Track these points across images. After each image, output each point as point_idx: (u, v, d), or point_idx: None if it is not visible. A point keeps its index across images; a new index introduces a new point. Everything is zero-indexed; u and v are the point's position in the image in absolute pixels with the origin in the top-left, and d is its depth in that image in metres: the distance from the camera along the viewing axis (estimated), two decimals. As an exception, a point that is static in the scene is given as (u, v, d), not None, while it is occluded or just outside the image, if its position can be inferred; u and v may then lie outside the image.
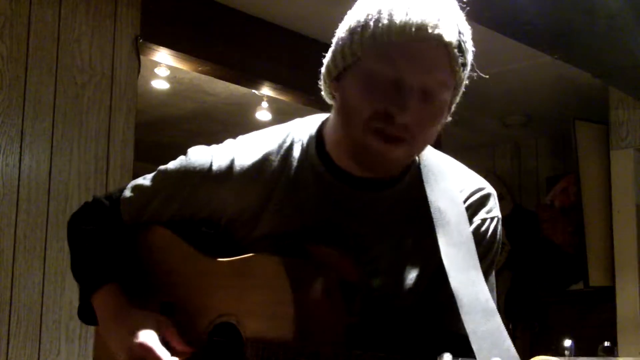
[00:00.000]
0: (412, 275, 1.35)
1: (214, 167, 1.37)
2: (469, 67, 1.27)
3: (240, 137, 1.43)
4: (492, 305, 1.21)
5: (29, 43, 3.05)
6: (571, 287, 5.11)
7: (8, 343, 2.86)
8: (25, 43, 3.04)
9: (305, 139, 1.38)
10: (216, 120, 5.33)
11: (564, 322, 5.16)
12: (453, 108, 1.32)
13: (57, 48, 3.13)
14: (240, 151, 1.38)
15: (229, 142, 1.42)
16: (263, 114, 4.90)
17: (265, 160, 1.37)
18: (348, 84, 1.26)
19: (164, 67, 4.25)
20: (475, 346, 1.13)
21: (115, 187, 3.20)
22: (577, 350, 4.72)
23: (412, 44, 1.20)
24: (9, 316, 2.87)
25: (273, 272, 1.25)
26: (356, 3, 1.30)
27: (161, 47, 3.54)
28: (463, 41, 1.24)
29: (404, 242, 1.35)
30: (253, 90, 4.39)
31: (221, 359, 1.36)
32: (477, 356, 1.10)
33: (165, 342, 1.37)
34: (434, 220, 1.30)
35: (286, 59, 3.92)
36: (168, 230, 1.48)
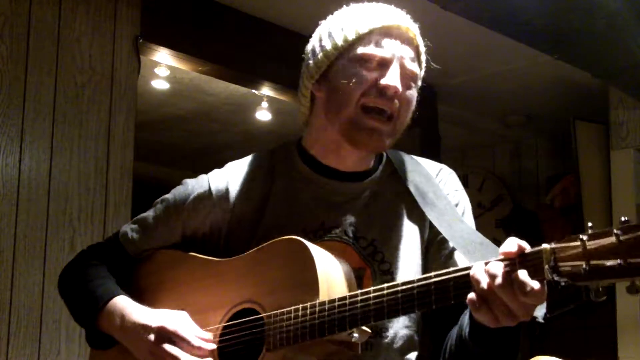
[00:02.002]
0: (409, 246, 1.48)
1: (212, 186, 1.52)
2: (424, 62, 1.52)
3: (227, 164, 1.59)
4: (485, 238, 1.41)
5: (29, 43, 3.05)
6: (571, 287, 5.10)
7: (8, 343, 2.86)
8: (25, 43, 3.04)
9: (287, 152, 1.55)
10: (216, 120, 5.32)
11: (563, 323, 5.15)
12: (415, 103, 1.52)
13: (57, 48, 3.13)
14: (232, 171, 1.55)
15: (217, 170, 1.58)
16: (263, 114, 4.90)
17: (255, 174, 1.52)
18: (335, 76, 1.46)
19: (164, 67, 4.25)
20: None
21: (115, 192, 3.22)
22: (576, 350, 4.71)
23: (388, 30, 1.44)
24: (9, 316, 2.87)
25: (296, 247, 1.34)
26: (322, 23, 1.53)
27: (161, 47, 3.54)
28: (420, 37, 1.49)
29: (394, 221, 1.50)
30: (253, 90, 4.39)
31: (241, 340, 1.40)
32: None
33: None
34: (415, 195, 1.50)
35: (286, 59, 3.91)
36: (174, 250, 1.56)
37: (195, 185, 1.54)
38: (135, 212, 1.66)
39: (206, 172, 1.58)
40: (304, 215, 1.47)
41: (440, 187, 1.53)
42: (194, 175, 1.59)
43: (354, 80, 1.42)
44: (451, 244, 1.45)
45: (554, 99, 4.94)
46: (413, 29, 1.48)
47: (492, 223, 5.58)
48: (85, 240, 3.09)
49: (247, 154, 1.60)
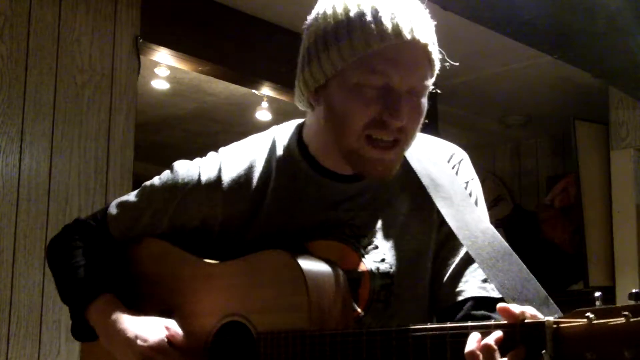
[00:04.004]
0: (414, 247, 1.38)
1: (203, 178, 1.40)
2: (438, 63, 1.31)
3: (222, 149, 1.46)
4: (506, 244, 1.28)
5: (29, 43, 3.05)
6: (571, 287, 5.10)
7: (8, 343, 2.86)
8: (25, 43, 3.04)
9: (287, 144, 1.42)
10: (216, 120, 5.32)
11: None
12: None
13: (57, 48, 3.12)
14: (226, 160, 1.42)
15: (213, 154, 1.46)
16: (263, 114, 4.90)
17: (251, 167, 1.40)
18: (334, 96, 1.29)
19: (164, 67, 4.25)
20: (505, 296, 1.20)
21: (115, 192, 3.22)
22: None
23: (393, 49, 1.23)
24: (9, 316, 2.87)
25: (285, 265, 1.26)
26: (317, 10, 1.33)
27: (161, 47, 3.54)
28: (434, 38, 1.29)
29: (400, 218, 1.38)
30: (253, 90, 4.39)
31: (229, 356, 1.36)
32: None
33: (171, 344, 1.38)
34: (427, 188, 1.36)
35: (286, 59, 3.91)
36: (162, 240, 1.48)
37: (185, 175, 1.42)
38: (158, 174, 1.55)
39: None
40: (302, 213, 1.37)
41: (457, 177, 1.40)
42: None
43: (356, 110, 1.25)
44: (467, 250, 1.31)
45: (554, 99, 4.94)
46: (423, 36, 1.25)
47: (492, 223, 5.57)
48: (85, 240, 3.08)
49: (289, 133, 1.45)
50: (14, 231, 2.92)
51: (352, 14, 1.26)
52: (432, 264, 1.39)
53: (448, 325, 1.10)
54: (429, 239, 1.38)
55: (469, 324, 1.09)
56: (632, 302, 0.93)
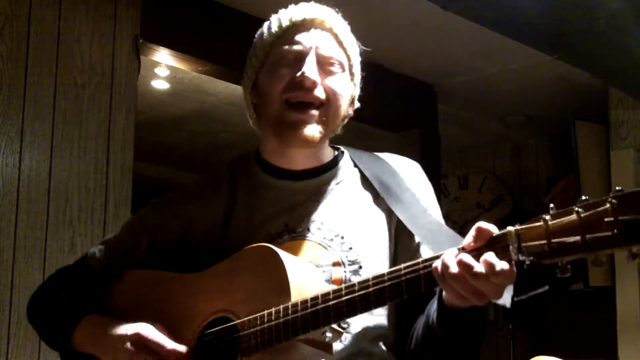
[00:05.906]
0: (376, 236, 1.50)
1: (175, 195, 1.58)
2: (357, 49, 1.53)
3: (193, 182, 1.64)
4: (452, 231, 1.43)
5: (29, 43, 3.05)
6: (571, 287, 5.11)
7: (8, 343, 2.86)
8: (25, 43, 3.04)
9: (246, 162, 1.58)
10: (216, 120, 5.33)
11: (563, 322, 5.16)
12: (358, 87, 1.55)
13: (57, 48, 3.13)
14: (196, 182, 1.61)
15: (181, 187, 1.64)
16: (263, 114, 4.90)
17: (217, 188, 1.55)
18: (261, 81, 1.52)
19: (164, 67, 4.26)
20: None
21: (115, 192, 3.22)
22: (575, 350, 4.71)
23: (300, 26, 1.47)
24: (9, 316, 2.87)
25: (266, 253, 1.35)
26: None
27: (161, 47, 3.54)
28: (342, 26, 1.50)
29: (359, 212, 1.51)
30: (253, 90, 4.39)
31: (216, 347, 1.40)
32: None
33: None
34: (378, 189, 1.51)
35: (286, 59, 3.91)
36: (141, 269, 1.56)
37: (159, 199, 1.59)
38: (135, 212, 1.66)
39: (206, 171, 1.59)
40: (267, 221, 1.48)
41: (404, 180, 1.54)
42: (194, 175, 1.60)
43: (274, 80, 1.47)
44: (417, 238, 1.47)
45: (554, 99, 4.94)
46: (330, 20, 1.49)
47: (492, 223, 5.57)
48: (85, 240, 3.09)
49: (247, 154, 1.61)
50: (14, 231, 2.92)
51: (270, 19, 1.53)
52: (393, 251, 1.51)
53: (420, 259, 1.22)
54: (387, 230, 1.51)
55: (440, 253, 1.20)
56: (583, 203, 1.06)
